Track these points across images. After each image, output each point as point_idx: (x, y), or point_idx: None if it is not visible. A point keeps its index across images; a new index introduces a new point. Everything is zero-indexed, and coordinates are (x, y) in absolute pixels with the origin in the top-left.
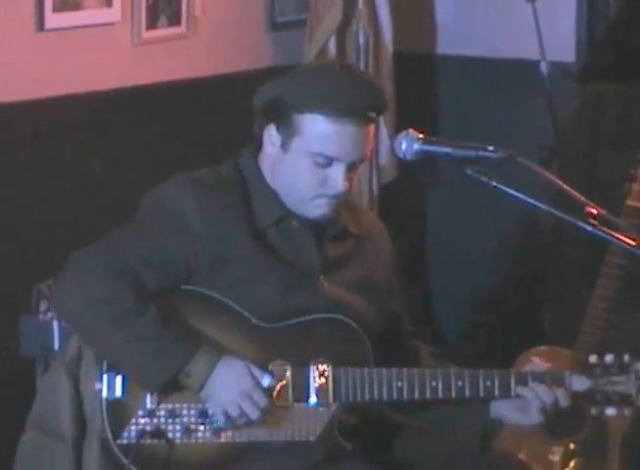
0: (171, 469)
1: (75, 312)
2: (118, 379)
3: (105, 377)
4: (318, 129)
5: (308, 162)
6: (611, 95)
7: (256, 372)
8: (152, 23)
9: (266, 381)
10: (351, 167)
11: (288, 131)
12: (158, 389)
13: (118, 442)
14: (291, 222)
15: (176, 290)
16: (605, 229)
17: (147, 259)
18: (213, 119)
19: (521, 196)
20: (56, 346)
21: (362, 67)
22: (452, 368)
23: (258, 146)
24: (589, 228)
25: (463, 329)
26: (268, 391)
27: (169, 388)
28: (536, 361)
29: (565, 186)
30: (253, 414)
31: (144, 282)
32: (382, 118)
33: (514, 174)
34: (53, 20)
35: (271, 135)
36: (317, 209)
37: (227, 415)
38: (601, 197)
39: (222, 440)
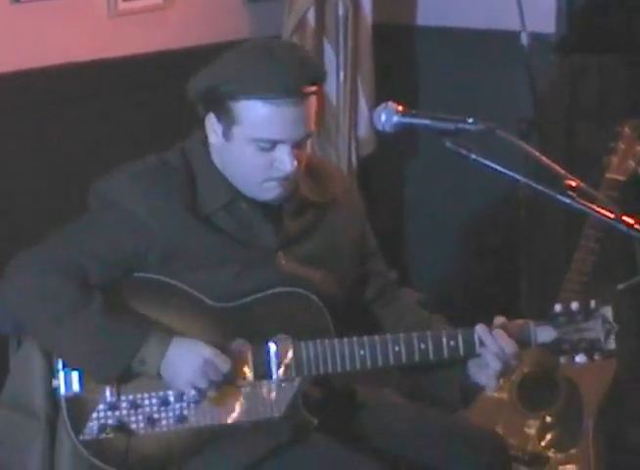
0: (136, 460)
1: (20, 310)
2: (75, 374)
3: (61, 374)
4: (256, 115)
5: (252, 148)
6: (590, 67)
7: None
8: None
9: (226, 367)
10: (297, 146)
11: (227, 120)
12: (112, 381)
13: (81, 437)
14: (240, 205)
15: (127, 277)
16: (583, 202)
17: (93, 254)
18: None
19: (499, 168)
20: None
21: (341, 38)
22: (433, 321)
23: (202, 132)
24: (568, 201)
25: (440, 300)
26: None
27: (125, 378)
28: (500, 319)
29: (544, 158)
30: (219, 378)
31: (90, 276)
32: (360, 91)
33: (493, 146)
34: None
35: (212, 124)
36: (269, 192)
37: (197, 389)
38: (580, 169)
39: (187, 426)
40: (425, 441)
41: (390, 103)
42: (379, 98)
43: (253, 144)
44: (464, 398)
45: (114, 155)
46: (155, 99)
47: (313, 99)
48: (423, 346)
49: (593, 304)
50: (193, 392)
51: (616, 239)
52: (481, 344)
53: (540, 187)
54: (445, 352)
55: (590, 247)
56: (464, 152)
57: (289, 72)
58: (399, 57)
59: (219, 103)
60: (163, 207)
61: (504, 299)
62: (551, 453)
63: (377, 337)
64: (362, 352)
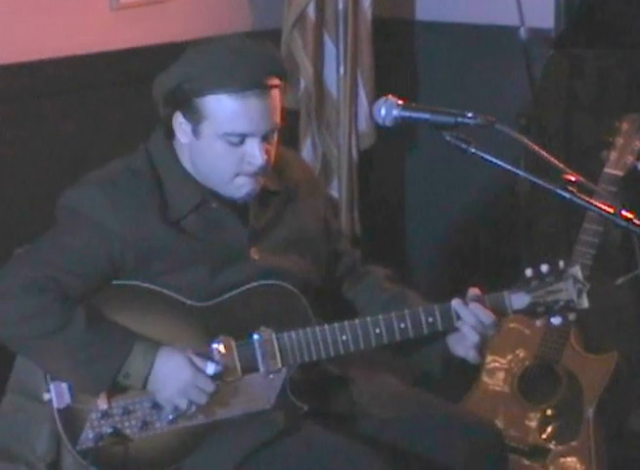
0: (134, 463)
1: (3, 332)
2: (64, 386)
3: (52, 387)
4: (223, 110)
5: (222, 143)
6: (589, 61)
7: (198, 361)
8: None
9: (211, 369)
10: (265, 138)
11: (195, 117)
12: (100, 393)
13: (78, 448)
14: (211, 204)
15: (106, 287)
16: (582, 196)
17: (69, 268)
18: None
19: (498, 162)
20: None
21: (341, 32)
22: (405, 296)
23: (171, 131)
24: (567, 195)
25: (438, 295)
26: (214, 377)
27: (112, 390)
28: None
29: (542, 152)
30: (201, 400)
31: (68, 291)
32: (361, 84)
33: (492, 140)
34: None
35: (180, 123)
36: (241, 188)
37: (177, 408)
38: (578, 163)
39: (180, 426)
40: (421, 428)
41: (390, 96)
42: (378, 92)
43: (223, 139)
44: (445, 369)
45: (116, 147)
46: None
47: (277, 92)
48: (402, 325)
49: (562, 264)
50: (171, 409)
51: (615, 233)
52: (458, 317)
53: (539, 181)
54: (425, 328)
55: (589, 241)
56: (463, 145)
57: (252, 65)
58: (399, 51)
59: (185, 101)
60: (133, 214)
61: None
62: (552, 445)
63: (357, 321)
64: (344, 337)
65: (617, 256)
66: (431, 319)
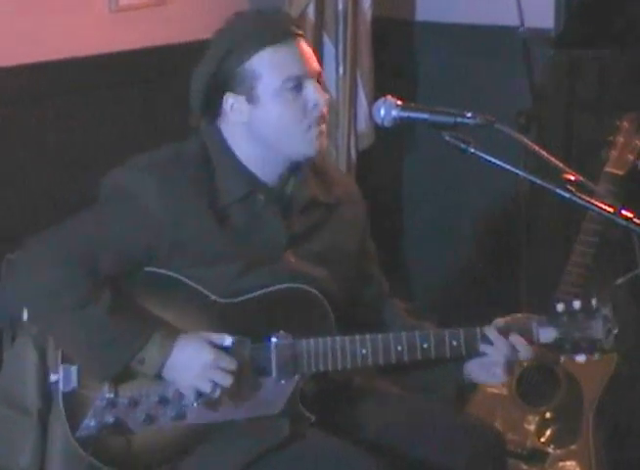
0: (133, 458)
1: (29, 299)
2: (74, 369)
3: (61, 368)
4: (272, 61)
5: (281, 97)
6: (589, 61)
7: (214, 338)
8: None
9: (228, 341)
10: (318, 81)
11: (246, 86)
12: (109, 378)
13: (77, 434)
14: (258, 197)
15: (135, 270)
16: (582, 196)
17: (105, 247)
18: None
19: (498, 162)
20: (24, 317)
21: (340, 33)
22: (424, 328)
23: (215, 121)
24: (567, 195)
25: (437, 296)
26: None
27: (123, 376)
28: (500, 321)
29: (543, 152)
30: (226, 381)
31: (100, 269)
32: (360, 85)
33: (492, 140)
34: None
35: (232, 104)
36: (313, 142)
37: (198, 393)
38: (578, 163)
39: (185, 423)
40: (421, 433)
41: (389, 97)
42: (378, 92)
43: (282, 92)
44: (460, 394)
45: (115, 149)
46: (156, 93)
47: (304, 40)
48: (425, 345)
49: (595, 303)
50: (194, 395)
51: (615, 232)
52: (489, 343)
53: (539, 181)
54: (448, 351)
55: (589, 240)
56: (462, 145)
57: (277, 20)
58: (399, 52)
59: (231, 77)
60: (177, 202)
61: (504, 293)
62: (550, 449)
63: (380, 335)
64: (364, 351)
65: (616, 255)
66: (455, 343)
